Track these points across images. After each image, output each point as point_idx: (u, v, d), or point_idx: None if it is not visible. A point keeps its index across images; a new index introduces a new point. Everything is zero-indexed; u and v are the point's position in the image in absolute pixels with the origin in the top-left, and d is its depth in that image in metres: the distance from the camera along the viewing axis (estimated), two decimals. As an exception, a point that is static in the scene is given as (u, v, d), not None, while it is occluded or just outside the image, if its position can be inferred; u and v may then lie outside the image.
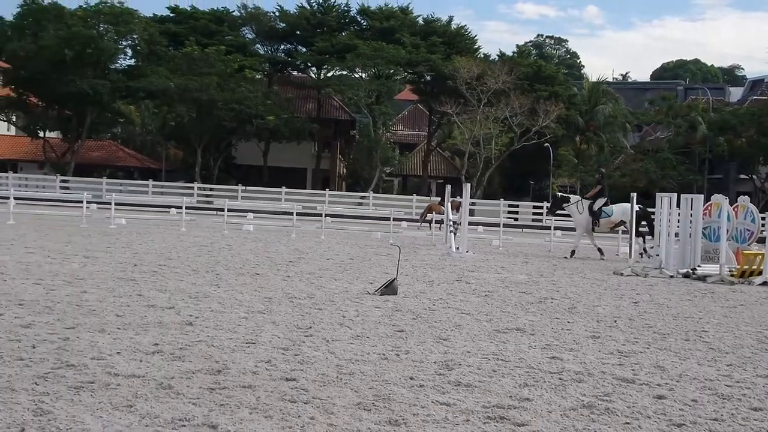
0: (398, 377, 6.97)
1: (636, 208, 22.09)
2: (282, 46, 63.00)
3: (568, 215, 23.91)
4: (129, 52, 56.76)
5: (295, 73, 64.76)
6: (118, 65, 55.83)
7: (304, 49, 60.17)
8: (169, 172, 59.01)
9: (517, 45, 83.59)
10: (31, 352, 7.31)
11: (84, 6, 52.78)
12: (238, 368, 7.07)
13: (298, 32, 59.94)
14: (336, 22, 60.13)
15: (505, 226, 30.40)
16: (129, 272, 13.73)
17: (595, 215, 22.23)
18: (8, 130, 59.77)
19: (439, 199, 25.59)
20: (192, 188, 47.37)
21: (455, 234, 22.00)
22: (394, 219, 29.09)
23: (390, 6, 61.54)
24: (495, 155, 54.22)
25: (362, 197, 50.55)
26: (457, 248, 21.10)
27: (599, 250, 22.40)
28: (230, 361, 7.36)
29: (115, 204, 27.49)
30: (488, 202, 48.65)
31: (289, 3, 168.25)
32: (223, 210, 28.51)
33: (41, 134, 52.43)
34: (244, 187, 47.06)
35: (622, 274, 17.59)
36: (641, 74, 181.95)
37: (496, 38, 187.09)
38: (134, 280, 12.69)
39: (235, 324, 9.29)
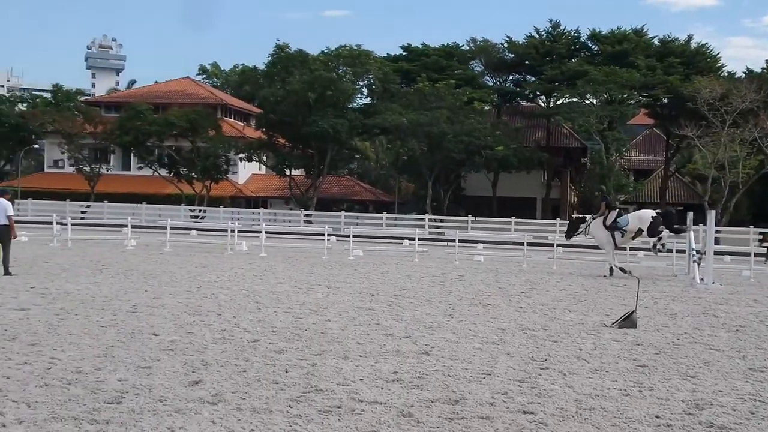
0: (642, 415, 6.64)
1: (652, 213, 22.01)
2: (510, 77, 63.14)
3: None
4: (365, 91, 59.87)
5: (523, 102, 64.58)
6: (355, 104, 59.00)
7: (533, 78, 59.83)
8: (401, 205, 61.05)
9: (766, 60, 77.13)
10: (285, 376, 7.86)
11: (325, 51, 56.56)
12: (474, 399, 7.11)
13: (526, 62, 59.77)
14: (566, 49, 59.24)
15: (757, 255, 27.96)
16: (367, 302, 14.35)
17: (614, 228, 21.94)
18: (260, 170, 65.17)
19: None
20: (423, 220, 48.57)
21: (699, 264, 20.63)
22: (631, 249, 27.84)
23: (623, 29, 59.59)
24: (742, 179, 50.21)
25: (595, 226, 48.95)
26: (702, 279, 19.76)
27: (611, 269, 21.90)
28: (467, 391, 7.42)
29: (353, 236, 28.89)
30: (735, 229, 45.11)
31: (517, 33, 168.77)
32: (453, 241, 28.93)
33: (287, 172, 56.55)
34: (473, 218, 47.48)
35: None
36: None
37: (742, 54, 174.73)
38: (372, 310, 13.23)
39: (469, 354, 9.36)
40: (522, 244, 27.91)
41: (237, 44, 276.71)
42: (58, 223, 28.75)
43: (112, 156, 61.98)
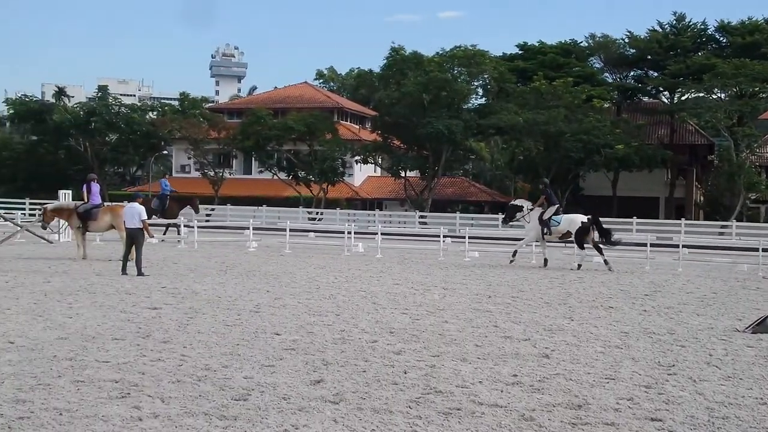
0: (781, 427, 6.28)
1: (583, 219, 22.90)
2: (631, 73, 61.31)
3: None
4: (480, 91, 59.52)
5: (645, 99, 62.51)
6: (470, 104, 58.73)
7: (656, 74, 57.83)
8: (517, 205, 60.18)
9: None
10: (404, 377, 7.90)
11: (440, 52, 56.63)
12: (598, 404, 6.93)
13: (648, 57, 57.84)
14: (691, 43, 56.92)
15: None
16: (484, 303, 14.23)
17: (545, 224, 22.83)
18: (375, 172, 65.94)
19: None
20: (541, 220, 47.67)
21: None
22: (764, 250, 26.39)
23: (754, 19, 56.65)
24: None
25: (723, 226, 46.72)
26: None
27: (545, 260, 23.11)
28: (590, 396, 7.24)
29: (469, 237, 28.70)
30: None
31: (639, 28, 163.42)
32: (572, 242, 28.25)
33: (402, 174, 56.95)
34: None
35: None
36: None
37: None
38: (489, 312, 13.12)
39: (591, 358, 9.13)
40: (644, 244, 26.96)
41: (353, 48, 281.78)
42: (185, 226, 30.04)
43: (234, 160, 64.27)
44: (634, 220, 44.09)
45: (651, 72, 59.11)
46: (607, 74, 62.09)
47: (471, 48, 55.31)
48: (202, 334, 10.26)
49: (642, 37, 58.63)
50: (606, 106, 58.62)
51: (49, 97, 77.32)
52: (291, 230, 29.64)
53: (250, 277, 17.82)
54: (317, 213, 53.06)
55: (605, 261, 22.56)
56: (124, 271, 17.79)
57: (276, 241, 30.28)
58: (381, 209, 59.01)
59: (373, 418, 6.43)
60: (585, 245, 22.97)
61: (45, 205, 24.61)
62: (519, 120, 50.58)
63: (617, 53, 59.84)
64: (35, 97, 74.25)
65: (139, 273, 17.51)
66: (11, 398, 6.88)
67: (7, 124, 79.83)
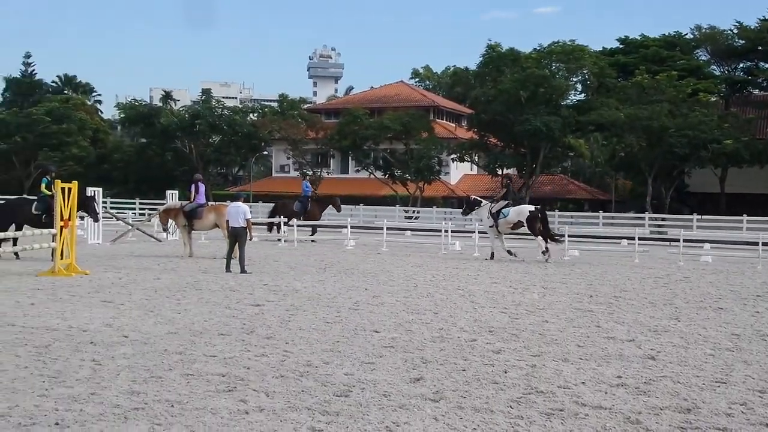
0: None
1: (530, 209, 24.10)
2: (741, 65, 58.78)
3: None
4: (579, 87, 58.25)
5: (756, 91, 59.80)
6: (568, 101, 57.55)
7: (767, 65, 55.23)
8: (618, 203, 58.70)
9: None
10: (504, 377, 7.84)
11: (538, 48, 55.74)
12: (709, 408, 6.69)
13: (759, 47, 55.29)
14: (806, 32, 54.15)
15: None
16: (585, 303, 13.95)
17: (494, 217, 23.86)
18: (471, 170, 65.53)
19: None
20: (643, 218, 46.38)
21: None
22: None
23: None
24: None
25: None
26: None
27: (492, 254, 24.12)
28: (699, 400, 7.00)
29: (568, 236, 28.16)
30: None
31: (748, 17, 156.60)
32: (677, 240, 27.36)
33: (499, 172, 56.37)
34: (699, 216, 44.61)
35: None
36: None
37: None
38: (591, 311, 12.85)
39: (701, 361, 8.83)
40: (756, 243, 25.79)
41: (449, 46, 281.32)
42: (285, 224, 30.68)
43: (331, 160, 65.18)
44: (745, 218, 42.28)
45: (762, 63, 56.50)
46: (714, 67, 59.75)
47: (569, 43, 54.20)
48: (303, 330, 10.47)
49: (752, 27, 56.10)
50: (713, 99, 56.37)
51: (157, 101, 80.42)
52: (388, 229, 29.83)
53: (349, 275, 18.05)
54: (414, 211, 53.18)
55: (545, 251, 23.56)
56: (228, 268, 18.33)
57: (373, 240, 30.56)
58: (478, 207, 58.52)
59: (474, 417, 6.41)
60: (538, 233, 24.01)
61: (159, 209, 25.70)
62: (620, 116, 49.25)
63: (725, 45, 57.45)
64: (144, 101, 77.43)
65: (242, 270, 18.00)
66: (126, 390, 7.21)
67: (119, 127, 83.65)
